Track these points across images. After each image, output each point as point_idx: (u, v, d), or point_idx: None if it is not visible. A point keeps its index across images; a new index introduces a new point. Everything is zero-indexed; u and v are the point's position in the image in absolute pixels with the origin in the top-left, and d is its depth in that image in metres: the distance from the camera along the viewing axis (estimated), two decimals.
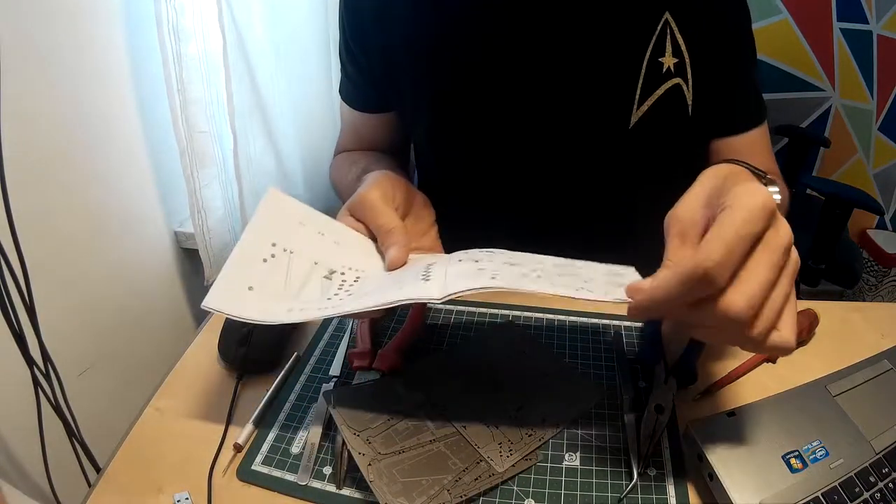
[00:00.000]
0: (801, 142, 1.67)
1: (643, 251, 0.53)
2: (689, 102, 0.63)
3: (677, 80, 0.61)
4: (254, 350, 0.57)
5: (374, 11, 0.65)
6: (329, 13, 1.16)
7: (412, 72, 0.65)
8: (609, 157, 0.65)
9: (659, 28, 0.60)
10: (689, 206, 0.37)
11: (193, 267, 1.08)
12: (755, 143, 0.68)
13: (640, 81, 0.61)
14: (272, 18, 1.01)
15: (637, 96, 0.61)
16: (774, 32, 1.65)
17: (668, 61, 0.60)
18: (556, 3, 0.59)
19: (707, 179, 0.39)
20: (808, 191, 1.65)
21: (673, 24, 0.60)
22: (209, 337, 0.61)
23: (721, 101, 0.65)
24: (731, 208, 0.34)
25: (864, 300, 1.83)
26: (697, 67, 0.62)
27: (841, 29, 1.64)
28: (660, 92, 0.61)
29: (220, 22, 0.89)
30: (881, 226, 1.88)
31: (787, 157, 1.68)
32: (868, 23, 1.62)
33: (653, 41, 0.60)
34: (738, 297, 0.33)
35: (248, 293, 0.46)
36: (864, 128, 1.75)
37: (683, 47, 0.60)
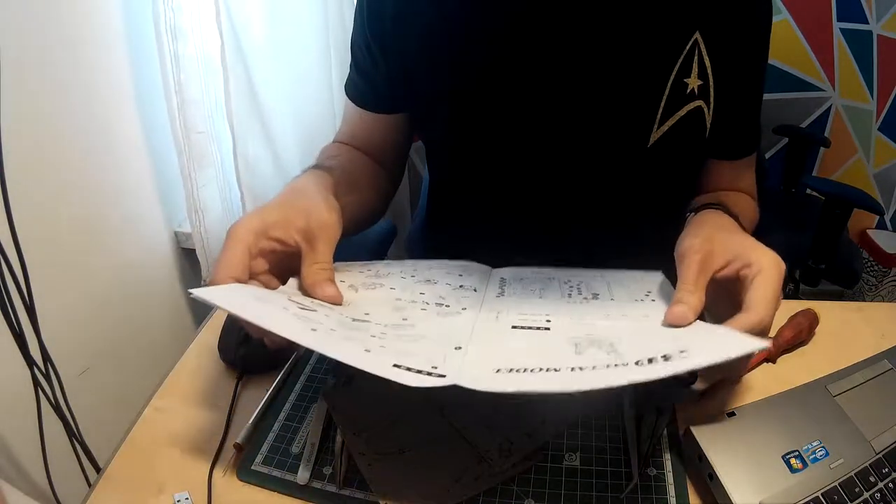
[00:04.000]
0: (801, 142, 1.67)
1: (647, 261, 0.54)
2: (708, 126, 0.62)
3: (700, 102, 0.60)
4: (254, 350, 0.57)
5: (394, 9, 0.64)
6: (328, 13, 1.15)
7: (431, 72, 0.64)
8: (624, 172, 0.65)
9: (687, 48, 0.58)
10: (699, 242, 0.47)
11: (193, 267, 1.08)
12: (744, 168, 0.69)
13: (664, 101, 0.60)
14: (270, 19, 1.00)
15: (659, 116, 0.60)
16: (774, 32, 1.63)
17: (693, 83, 0.59)
18: (586, 15, 0.58)
19: (707, 227, 0.51)
20: (808, 191, 1.65)
21: (702, 45, 0.58)
22: (209, 337, 0.61)
23: (730, 127, 0.64)
24: (765, 273, 0.43)
25: (864, 300, 1.83)
26: (719, 91, 0.60)
27: (841, 29, 1.64)
28: (681, 113, 0.60)
29: (218, 22, 0.89)
30: (881, 226, 1.87)
31: (787, 157, 1.68)
32: (868, 23, 1.62)
33: (680, 61, 0.58)
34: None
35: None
36: (864, 128, 1.75)
37: (709, 70, 0.59)
